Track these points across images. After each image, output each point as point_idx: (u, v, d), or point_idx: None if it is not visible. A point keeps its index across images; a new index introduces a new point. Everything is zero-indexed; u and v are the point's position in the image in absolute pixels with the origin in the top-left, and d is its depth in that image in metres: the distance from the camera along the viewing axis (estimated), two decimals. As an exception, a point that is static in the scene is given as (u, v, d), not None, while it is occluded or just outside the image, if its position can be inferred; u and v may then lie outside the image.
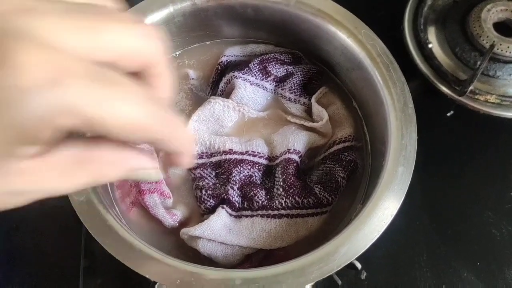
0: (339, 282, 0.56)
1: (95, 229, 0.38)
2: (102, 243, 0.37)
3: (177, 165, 0.27)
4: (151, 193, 0.45)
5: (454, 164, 0.62)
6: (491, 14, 0.64)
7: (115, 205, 0.46)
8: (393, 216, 0.39)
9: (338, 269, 0.37)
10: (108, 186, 0.46)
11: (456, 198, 0.59)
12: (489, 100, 0.62)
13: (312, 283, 0.55)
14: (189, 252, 0.43)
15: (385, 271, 0.56)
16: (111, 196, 0.46)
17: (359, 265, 0.49)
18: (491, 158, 0.62)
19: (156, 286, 0.46)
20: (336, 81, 0.52)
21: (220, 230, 0.41)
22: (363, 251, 0.37)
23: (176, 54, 0.55)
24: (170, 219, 0.44)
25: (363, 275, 0.55)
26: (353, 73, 0.48)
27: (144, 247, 0.37)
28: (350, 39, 0.46)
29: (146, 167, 0.24)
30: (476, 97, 0.62)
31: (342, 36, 0.47)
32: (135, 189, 0.45)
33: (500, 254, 0.56)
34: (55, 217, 0.59)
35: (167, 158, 0.26)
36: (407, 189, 0.40)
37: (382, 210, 0.39)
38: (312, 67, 0.50)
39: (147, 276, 0.36)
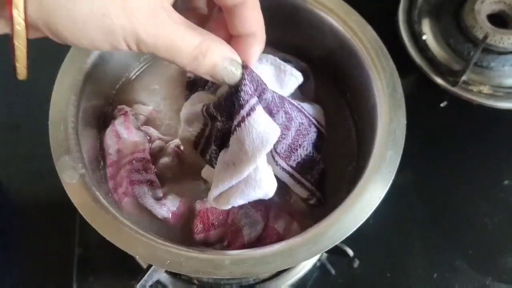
0: (332, 272, 0.56)
1: (86, 211, 0.38)
2: (93, 224, 0.37)
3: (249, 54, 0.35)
4: (141, 183, 0.45)
5: (448, 154, 0.62)
6: (485, 6, 0.65)
7: (110, 195, 0.46)
8: (381, 199, 0.39)
9: (326, 249, 0.37)
10: (102, 176, 0.47)
11: (449, 187, 0.60)
12: (482, 91, 0.63)
13: (305, 272, 0.56)
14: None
15: (377, 259, 0.56)
16: (107, 186, 0.46)
17: (351, 252, 0.49)
18: (484, 148, 0.62)
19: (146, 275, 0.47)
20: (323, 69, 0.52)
21: None
22: (351, 232, 0.38)
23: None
24: (160, 209, 0.44)
25: (356, 264, 0.56)
26: (343, 59, 0.48)
27: (135, 229, 0.38)
28: (340, 25, 0.47)
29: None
30: (469, 87, 0.63)
31: (332, 21, 0.47)
32: (126, 180, 0.45)
33: (492, 242, 0.57)
34: (48, 206, 0.60)
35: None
36: (395, 172, 0.40)
37: (371, 193, 0.39)
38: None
39: (137, 257, 0.36)
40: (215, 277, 0.36)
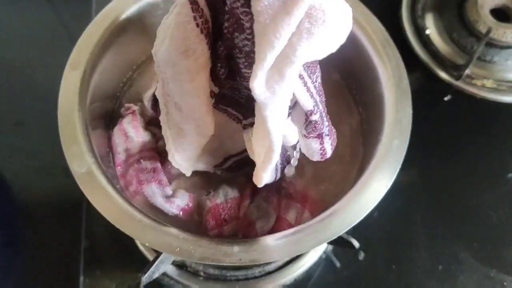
0: (338, 264, 0.56)
1: (95, 199, 0.38)
2: (102, 212, 0.38)
3: None
4: (149, 182, 0.45)
5: (452, 147, 0.62)
6: (488, 0, 0.65)
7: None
8: (388, 187, 0.39)
9: (334, 237, 0.37)
10: (114, 173, 0.47)
11: (454, 180, 0.60)
12: (485, 85, 0.63)
13: (311, 265, 0.56)
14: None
15: (382, 252, 0.56)
16: (118, 183, 0.46)
17: (356, 244, 0.49)
18: (488, 141, 0.63)
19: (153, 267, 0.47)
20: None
21: None
22: (358, 221, 0.38)
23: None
24: (170, 207, 0.45)
25: (361, 256, 0.56)
26: (347, 51, 0.49)
27: (144, 217, 0.38)
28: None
29: None
30: (473, 82, 0.63)
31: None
32: (135, 179, 0.46)
33: (497, 235, 0.57)
34: (54, 201, 0.60)
35: None
36: (401, 161, 0.40)
37: (377, 182, 0.39)
38: None
39: (147, 244, 0.37)
40: (224, 264, 0.36)
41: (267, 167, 0.36)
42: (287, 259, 0.55)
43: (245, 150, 0.40)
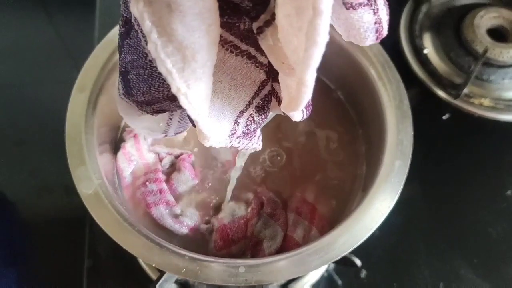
0: (339, 282, 0.57)
1: (102, 221, 0.39)
2: (109, 233, 0.38)
3: None
4: (157, 205, 0.46)
5: (451, 165, 0.63)
6: (484, 21, 0.66)
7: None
8: (390, 208, 0.40)
9: (338, 258, 0.38)
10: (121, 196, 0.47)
11: (453, 198, 0.61)
12: (483, 104, 0.64)
13: (313, 283, 0.56)
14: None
15: (384, 269, 0.57)
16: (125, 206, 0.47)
17: (359, 262, 0.50)
18: (486, 159, 0.64)
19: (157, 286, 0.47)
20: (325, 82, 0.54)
21: None
22: (362, 241, 0.39)
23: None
24: (179, 228, 0.45)
25: (363, 274, 0.56)
26: (348, 73, 0.50)
27: (151, 237, 0.39)
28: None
29: None
30: (471, 100, 0.64)
31: (339, 36, 0.49)
32: (143, 202, 0.46)
33: (496, 251, 0.57)
34: (56, 220, 0.60)
35: None
36: (404, 182, 0.41)
37: (380, 202, 0.40)
38: None
39: (153, 265, 0.37)
40: (230, 284, 0.36)
41: (310, 69, 0.24)
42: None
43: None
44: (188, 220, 0.45)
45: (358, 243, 0.39)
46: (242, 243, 0.44)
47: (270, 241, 0.44)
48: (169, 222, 0.45)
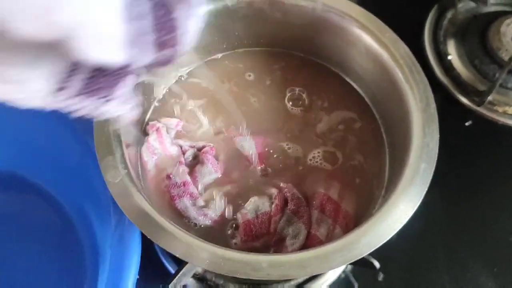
0: (356, 285, 0.57)
1: (128, 209, 0.39)
2: (135, 222, 0.39)
3: None
4: (181, 197, 0.46)
5: (473, 172, 0.63)
6: (511, 28, 0.66)
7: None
8: (414, 209, 0.40)
9: (361, 257, 0.38)
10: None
11: (475, 204, 0.60)
12: (507, 112, 0.64)
13: (329, 284, 0.56)
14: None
15: (402, 273, 0.56)
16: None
17: (377, 264, 0.50)
18: (508, 166, 0.63)
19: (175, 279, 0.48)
20: (352, 86, 0.54)
21: None
22: (385, 241, 0.39)
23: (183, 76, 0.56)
24: (203, 219, 0.46)
25: (380, 277, 0.56)
26: (375, 75, 0.50)
27: (176, 229, 0.39)
28: (375, 41, 0.48)
29: None
30: (494, 108, 0.64)
31: (367, 38, 0.49)
32: (167, 194, 0.47)
33: (517, 260, 0.57)
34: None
35: None
36: (428, 185, 0.41)
37: (404, 204, 0.40)
38: None
39: (177, 255, 0.37)
40: (253, 278, 0.37)
41: None
42: (307, 277, 0.55)
43: None
44: (211, 213, 0.46)
45: (382, 242, 0.39)
46: (265, 239, 0.45)
47: (293, 239, 0.44)
48: (193, 214, 0.45)
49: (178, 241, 0.38)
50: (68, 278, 0.55)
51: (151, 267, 0.56)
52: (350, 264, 0.56)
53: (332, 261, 0.37)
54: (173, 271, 0.57)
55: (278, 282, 0.56)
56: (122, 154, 0.43)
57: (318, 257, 0.37)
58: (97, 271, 0.51)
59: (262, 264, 0.37)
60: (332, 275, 0.57)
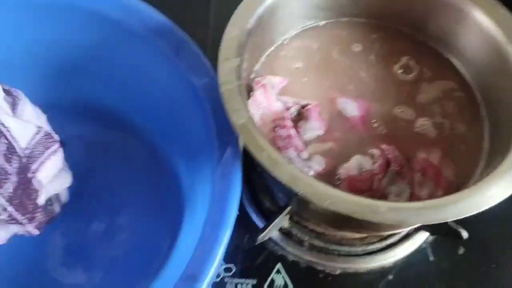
0: (431, 258, 0.58)
1: (253, 146, 0.42)
2: (259, 158, 0.41)
3: None
4: (286, 149, 0.49)
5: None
6: None
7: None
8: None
9: (473, 213, 0.39)
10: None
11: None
12: None
13: (407, 254, 0.58)
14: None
15: (483, 249, 0.57)
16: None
17: (465, 234, 0.51)
18: None
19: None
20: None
21: None
22: (495, 203, 0.40)
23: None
24: (307, 171, 0.48)
25: (461, 251, 0.57)
26: (484, 56, 0.51)
27: (297, 168, 0.41)
28: (487, 18, 0.50)
29: None
30: None
31: (479, 15, 0.50)
32: (274, 145, 0.49)
33: None
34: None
35: None
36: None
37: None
38: None
39: (300, 193, 0.40)
40: (370, 220, 0.39)
41: None
42: (391, 241, 0.58)
43: None
44: (315, 165, 0.48)
45: (488, 207, 0.39)
46: (369, 194, 0.46)
47: (397, 197, 0.45)
48: (298, 166, 0.48)
49: (301, 180, 0.40)
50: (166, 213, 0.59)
51: (238, 220, 0.59)
52: (434, 234, 0.58)
53: (447, 213, 0.39)
54: (260, 225, 0.60)
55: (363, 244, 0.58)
56: (244, 102, 0.46)
57: (434, 207, 0.39)
58: (195, 205, 0.53)
59: (380, 208, 0.39)
60: (412, 244, 0.59)
